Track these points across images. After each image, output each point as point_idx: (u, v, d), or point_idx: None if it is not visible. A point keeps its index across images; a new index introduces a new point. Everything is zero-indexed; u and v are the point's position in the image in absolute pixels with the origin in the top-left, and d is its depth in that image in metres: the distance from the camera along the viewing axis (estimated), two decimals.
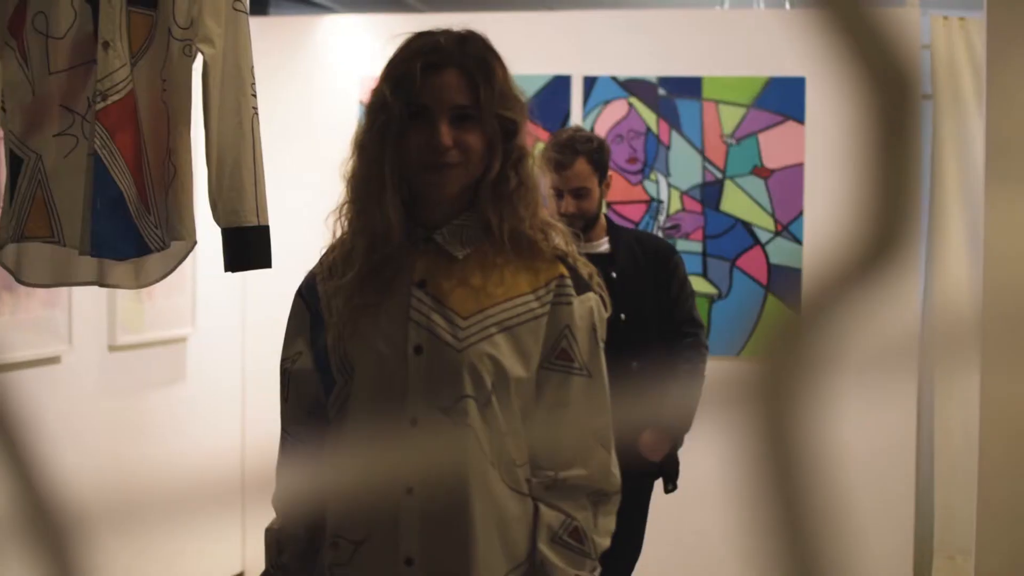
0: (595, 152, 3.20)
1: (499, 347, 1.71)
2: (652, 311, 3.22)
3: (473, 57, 1.73)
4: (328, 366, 1.78)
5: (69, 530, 0.43)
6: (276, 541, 1.83)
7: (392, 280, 1.75)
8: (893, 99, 0.31)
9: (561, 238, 1.79)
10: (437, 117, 1.71)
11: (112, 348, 4.18)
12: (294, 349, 1.83)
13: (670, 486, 3.36)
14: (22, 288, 3.66)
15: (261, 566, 1.91)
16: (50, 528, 0.42)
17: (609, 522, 1.75)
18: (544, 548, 1.70)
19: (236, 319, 5.04)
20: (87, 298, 3.98)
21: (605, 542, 1.75)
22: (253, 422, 5.03)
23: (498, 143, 1.73)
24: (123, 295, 4.18)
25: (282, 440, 1.85)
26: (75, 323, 3.93)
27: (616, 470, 1.76)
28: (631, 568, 3.40)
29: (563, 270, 1.77)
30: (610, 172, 3.27)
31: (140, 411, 4.35)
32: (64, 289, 3.82)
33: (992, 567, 3.50)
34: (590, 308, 1.76)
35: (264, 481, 1.94)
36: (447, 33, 1.75)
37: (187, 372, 4.67)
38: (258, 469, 4.98)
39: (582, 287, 1.77)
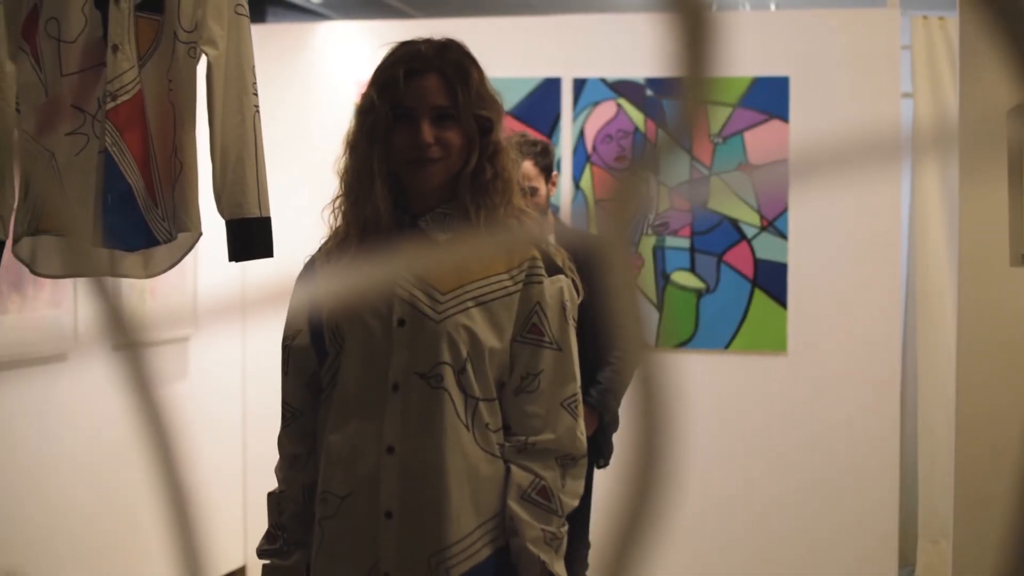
0: (539, 155, 3.52)
1: (474, 319, 1.88)
2: (587, 298, 3.44)
3: (451, 62, 1.90)
4: (323, 340, 1.93)
5: (139, 341, 0.55)
6: (277, 503, 2.00)
7: (384, 263, 1.90)
8: (691, 29, 0.43)
9: (536, 225, 1.94)
10: (419, 117, 1.89)
11: (116, 347, 4.30)
12: (294, 328, 1.99)
13: (601, 461, 3.61)
14: (30, 288, 3.78)
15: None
16: (128, 339, 0.54)
17: (577, 484, 1.90)
18: (514, 505, 1.85)
19: (236, 319, 5.16)
20: (92, 298, 4.10)
21: (573, 502, 1.90)
22: (254, 418, 5.14)
23: (475, 139, 1.90)
24: (127, 295, 4.30)
25: (283, 412, 2.01)
26: (80, 322, 4.05)
27: (583, 436, 1.91)
28: (585, 555, 3.60)
29: (535, 253, 1.93)
30: (554, 172, 3.60)
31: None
32: (70, 289, 3.94)
33: (969, 550, 3.62)
34: (560, 288, 1.92)
35: (264, 478, 2.09)
36: (428, 41, 1.93)
37: (189, 370, 4.79)
38: (258, 464, 5.08)
39: (553, 269, 1.93)
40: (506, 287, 1.91)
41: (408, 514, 1.87)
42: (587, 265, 3.41)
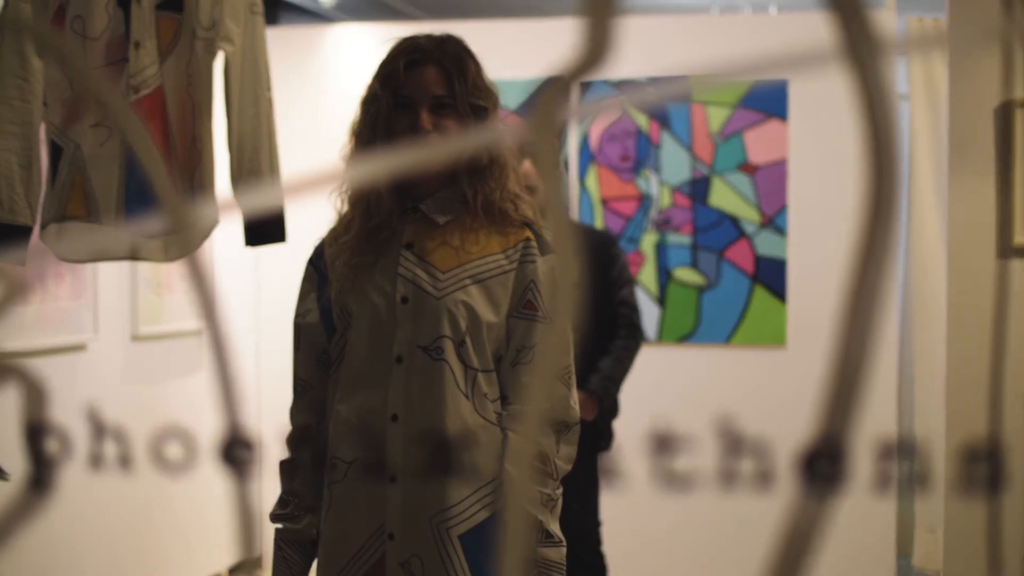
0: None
1: (473, 296, 2.01)
2: (589, 294, 3.59)
3: (449, 55, 2.04)
4: (331, 317, 2.06)
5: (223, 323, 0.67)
6: (289, 470, 2.13)
7: (385, 244, 2.05)
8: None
9: (529, 208, 2.07)
10: (419, 106, 2.03)
11: (134, 338, 4.43)
12: (305, 306, 2.12)
13: (603, 444, 3.77)
14: (51, 280, 3.92)
15: (268, 552, 2.19)
16: (216, 320, 0.66)
17: (570, 450, 2.03)
18: (511, 468, 1.98)
19: (251, 313, 5.29)
20: (111, 290, 4.24)
21: (566, 467, 2.03)
22: (268, 412, 5.27)
23: (472, 127, 2.01)
24: (144, 288, 4.44)
25: (295, 385, 2.14)
26: (100, 314, 4.18)
27: (575, 404, 2.04)
28: (597, 538, 3.76)
29: (529, 234, 2.07)
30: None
31: (161, 398, 4.59)
32: (90, 281, 4.08)
33: (960, 539, 3.72)
34: (553, 267, 2.04)
35: (277, 470, 2.21)
36: (428, 36, 2.08)
37: (205, 363, 4.92)
38: (272, 458, 5.20)
39: (546, 249, 2.05)
40: (502, 266, 2.04)
41: (411, 478, 2.00)
42: (590, 258, 3.58)
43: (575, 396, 2.05)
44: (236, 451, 0.60)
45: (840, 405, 0.47)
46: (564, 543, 2.01)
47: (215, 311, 0.62)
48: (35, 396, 0.63)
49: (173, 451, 0.65)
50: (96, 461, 0.64)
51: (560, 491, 2.02)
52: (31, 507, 0.63)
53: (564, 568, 2.01)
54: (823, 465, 0.49)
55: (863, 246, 0.47)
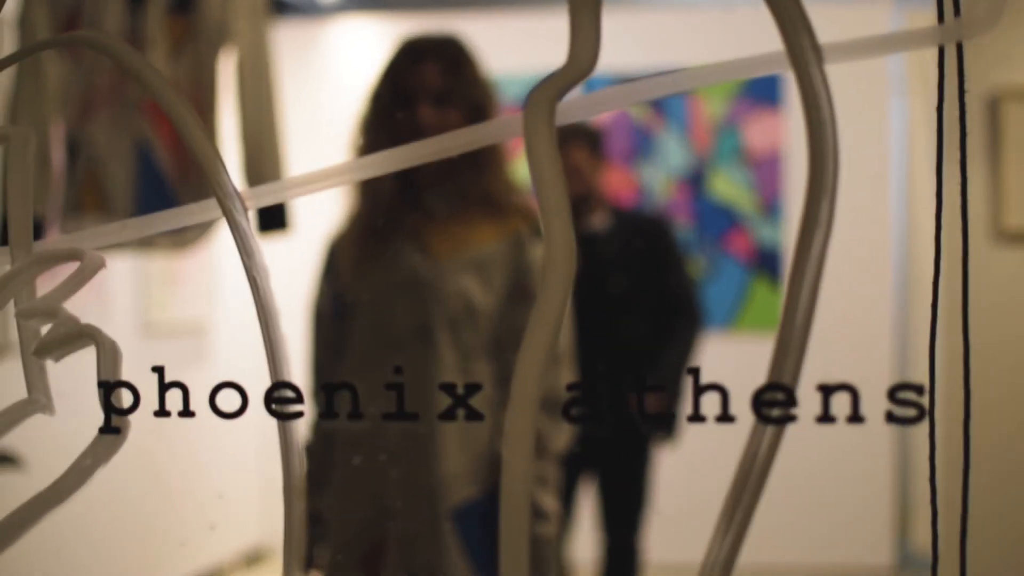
0: (584, 140, 3.60)
1: (469, 283, 2.11)
2: (644, 280, 3.62)
3: (448, 52, 2.16)
4: (339, 304, 2.17)
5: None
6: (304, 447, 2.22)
7: (388, 234, 2.14)
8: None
9: (524, 198, 2.17)
10: (418, 101, 2.12)
11: (144, 330, 4.52)
12: (318, 292, 2.22)
13: (664, 434, 3.74)
14: (63, 271, 4.00)
15: (279, 541, 2.27)
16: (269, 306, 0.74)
17: (562, 428, 2.11)
18: (505, 449, 2.05)
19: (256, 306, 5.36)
20: (122, 282, 4.32)
21: (559, 444, 2.11)
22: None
23: (471, 121, 2.10)
24: (154, 282, 4.52)
25: (306, 370, 2.23)
26: (109, 306, 4.26)
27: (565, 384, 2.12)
28: (640, 520, 3.79)
29: (526, 224, 2.15)
30: (598, 156, 3.66)
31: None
32: (100, 272, 4.16)
33: (953, 521, 3.80)
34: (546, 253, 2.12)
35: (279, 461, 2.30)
36: (429, 35, 2.19)
37: (213, 353, 5.00)
38: (277, 453, 5.26)
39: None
40: (499, 254, 2.14)
41: (408, 455, 2.10)
42: (638, 242, 3.60)
43: (567, 376, 2.13)
44: (284, 401, 0.69)
45: (789, 354, 0.55)
46: (552, 519, 2.10)
47: (261, 273, 0.70)
48: (109, 356, 0.72)
49: (226, 401, 0.74)
50: (160, 412, 0.74)
51: (553, 468, 2.11)
52: (107, 453, 0.72)
53: (554, 544, 2.11)
54: (774, 404, 0.57)
55: (807, 219, 0.55)
